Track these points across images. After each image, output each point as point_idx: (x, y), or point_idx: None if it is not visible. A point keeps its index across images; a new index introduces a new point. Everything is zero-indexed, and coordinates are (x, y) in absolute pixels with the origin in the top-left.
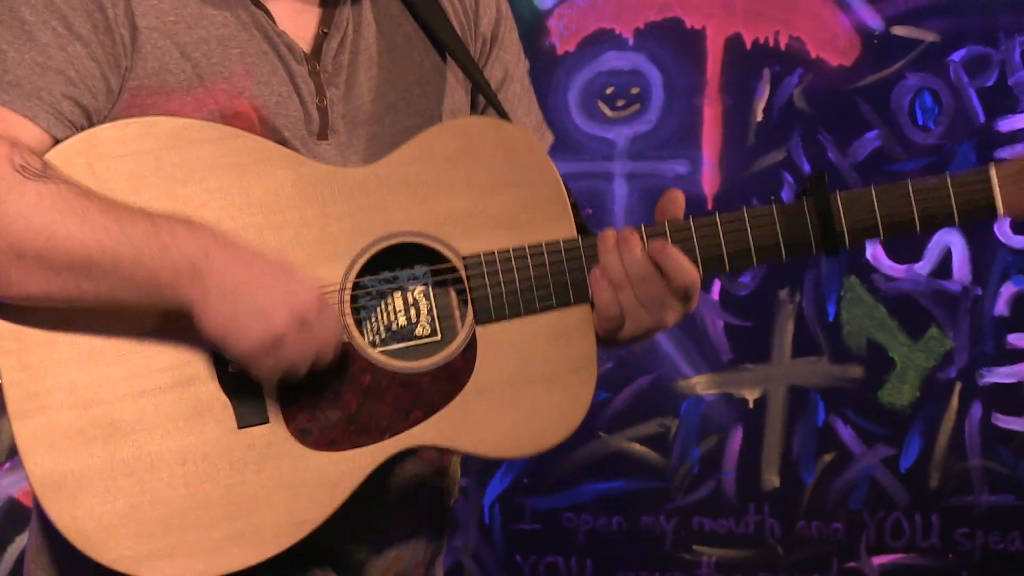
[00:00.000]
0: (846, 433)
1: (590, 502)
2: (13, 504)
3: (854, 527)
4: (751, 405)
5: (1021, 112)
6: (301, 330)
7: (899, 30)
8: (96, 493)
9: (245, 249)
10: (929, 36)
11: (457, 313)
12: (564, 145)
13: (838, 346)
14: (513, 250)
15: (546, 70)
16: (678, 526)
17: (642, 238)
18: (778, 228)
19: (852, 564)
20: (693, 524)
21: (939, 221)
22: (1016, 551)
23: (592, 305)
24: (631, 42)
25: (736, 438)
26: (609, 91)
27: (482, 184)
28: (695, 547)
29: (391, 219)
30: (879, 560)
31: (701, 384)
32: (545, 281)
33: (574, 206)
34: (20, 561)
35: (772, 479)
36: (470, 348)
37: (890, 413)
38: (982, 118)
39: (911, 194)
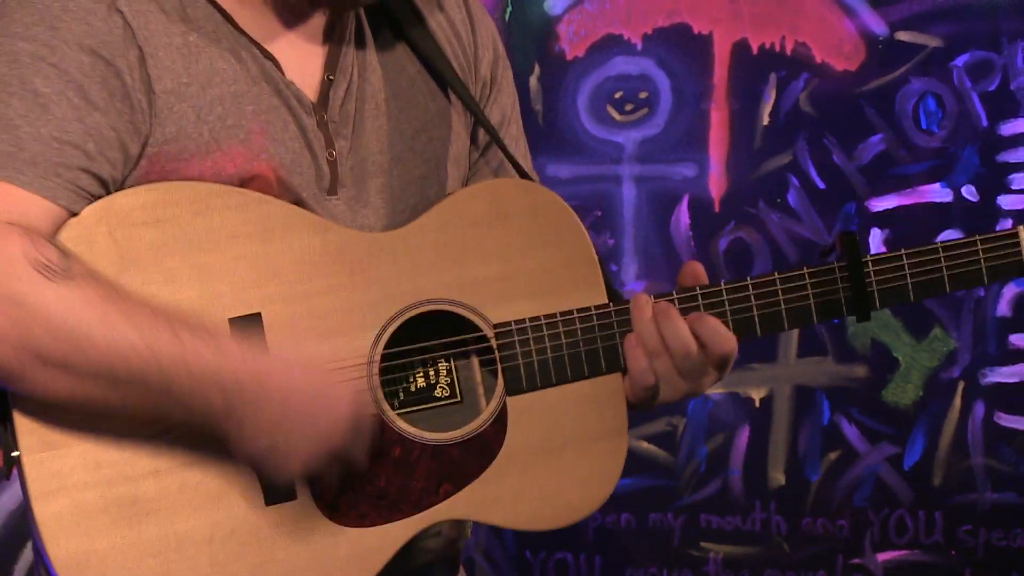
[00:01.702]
0: (851, 432)
1: None
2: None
3: (859, 524)
4: (757, 404)
5: (1023, 116)
6: (337, 460)
7: (903, 35)
8: (121, 574)
9: (276, 376)
10: (933, 41)
11: (480, 377)
12: (573, 149)
13: (843, 346)
14: (544, 318)
15: (556, 75)
16: (686, 523)
17: (675, 303)
18: (809, 292)
19: (857, 561)
20: (700, 521)
21: (968, 281)
22: (1019, 548)
23: (624, 372)
24: (640, 47)
25: (743, 437)
26: (618, 95)
27: (512, 249)
28: (702, 544)
29: (420, 286)
30: (883, 557)
31: None
32: (577, 350)
33: (600, 261)
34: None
35: (778, 477)
36: (500, 419)
37: (894, 412)
38: (985, 122)
39: (941, 257)
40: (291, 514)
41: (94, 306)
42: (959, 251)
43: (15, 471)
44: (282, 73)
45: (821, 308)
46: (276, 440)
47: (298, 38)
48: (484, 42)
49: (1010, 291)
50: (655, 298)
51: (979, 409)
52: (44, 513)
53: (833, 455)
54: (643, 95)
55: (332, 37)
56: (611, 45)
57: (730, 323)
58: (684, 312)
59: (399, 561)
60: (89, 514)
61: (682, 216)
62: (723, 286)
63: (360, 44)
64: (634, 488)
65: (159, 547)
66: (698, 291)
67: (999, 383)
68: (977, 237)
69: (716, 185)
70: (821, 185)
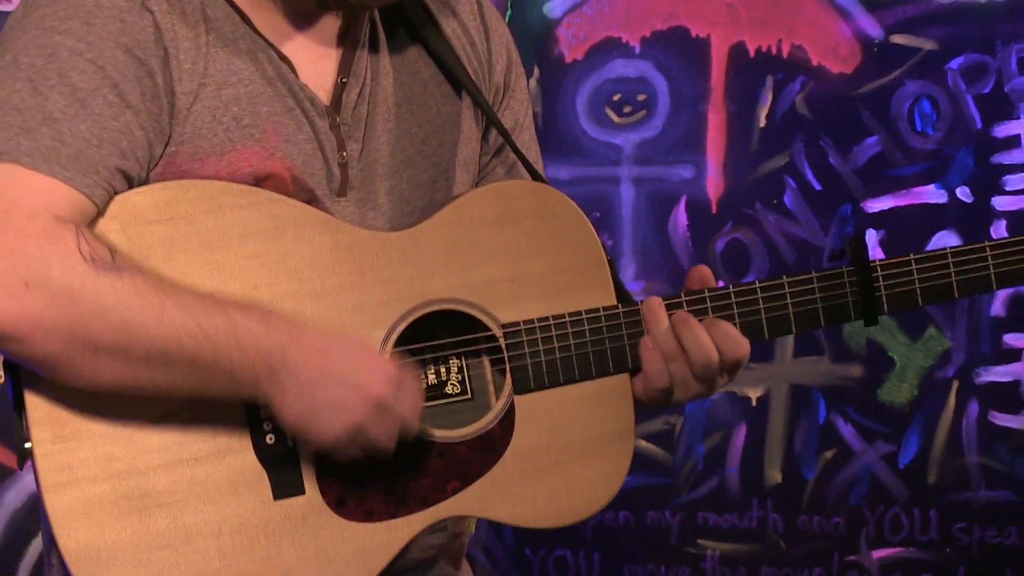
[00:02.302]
0: (847, 430)
1: None
2: (37, 499)
3: (854, 522)
4: (754, 403)
5: (1017, 118)
6: (381, 415)
7: (898, 39)
8: (130, 566)
9: (320, 337)
10: (928, 44)
11: (490, 375)
12: (573, 150)
13: (839, 346)
14: (553, 318)
15: (555, 77)
16: (683, 521)
17: (684, 307)
18: (817, 296)
19: (852, 558)
20: (698, 519)
21: (977, 287)
22: (1012, 545)
23: (632, 373)
24: (638, 50)
25: (740, 435)
26: (616, 98)
27: (521, 250)
28: (700, 541)
29: (429, 286)
30: (879, 554)
31: None
32: (585, 350)
33: (610, 263)
34: (43, 557)
35: (775, 475)
36: (508, 417)
37: (889, 411)
38: (979, 124)
39: (950, 263)
40: (299, 509)
41: (146, 296)
42: (968, 257)
43: (29, 463)
44: (296, 76)
45: (829, 312)
46: (316, 399)
47: (312, 41)
48: (498, 49)
49: (1004, 291)
50: (666, 301)
51: (973, 408)
52: (55, 505)
53: (829, 453)
54: (641, 97)
55: (346, 41)
56: (610, 48)
57: (738, 326)
58: (694, 316)
59: (403, 554)
60: (100, 506)
61: (680, 217)
62: (731, 289)
63: (374, 48)
64: (632, 486)
65: (169, 540)
66: (706, 294)
67: (993, 382)
68: (986, 243)
69: (713, 186)
70: (817, 186)
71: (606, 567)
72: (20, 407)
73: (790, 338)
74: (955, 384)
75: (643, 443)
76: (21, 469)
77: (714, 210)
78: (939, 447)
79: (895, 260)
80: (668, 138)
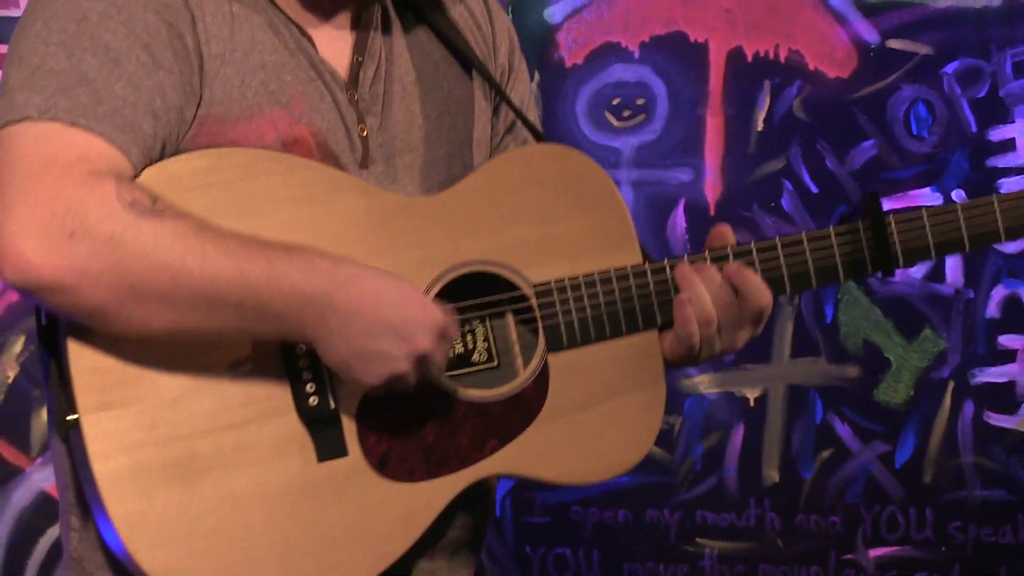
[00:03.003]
0: (843, 430)
1: (597, 496)
2: (45, 497)
3: (851, 521)
4: (752, 403)
5: (1012, 122)
6: (421, 366)
7: (894, 43)
8: (178, 530)
9: (367, 282)
10: (923, 49)
11: (516, 341)
12: None
13: (836, 347)
14: (583, 277)
15: (555, 82)
16: (682, 519)
17: (707, 262)
18: (835, 250)
19: (849, 556)
20: (696, 517)
21: (987, 238)
22: (1007, 544)
23: (661, 329)
24: (637, 55)
25: (738, 435)
26: (616, 102)
27: (548, 212)
28: (698, 540)
29: (461, 248)
30: (875, 552)
31: (704, 383)
32: (614, 308)
33: None
34: (51, 552)
35: (772, 474)
36: (542, 376)
37: (886, 411)
38: (974, 128)
39: (960, 216)
40: (342, 470)
41: (187, 239)
42: (977, 210)
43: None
44: (316, 51)
45: (848, 266)
46: (365, 347)
47: (329, 24)
48: (501, 32)
49: (999, 293)
50: (689, 258)
51: (968, 408)
52: (103, 472)
53: (826, 453)
54: (640, 102)
55: (359, 26)
56: (609, 53)
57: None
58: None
59: (443, 528)
60: (147, 472)
61: (678, 219)
62: (753, 246)
63: (387, 30)
64: (631, 485)
65: (215, 504)
66: (729, 251)
67: (988, 383)
68: (994, 197)
69: (712, 189)
70: (814, 189)
71: (605, 565)
72: (61, 379)
73: (788, 340)
74: (951, 385)
75: None
76: (64, 438)
77: (712, 212)
78: (935, 447)
79: (909, 215)
80: (667, 142)
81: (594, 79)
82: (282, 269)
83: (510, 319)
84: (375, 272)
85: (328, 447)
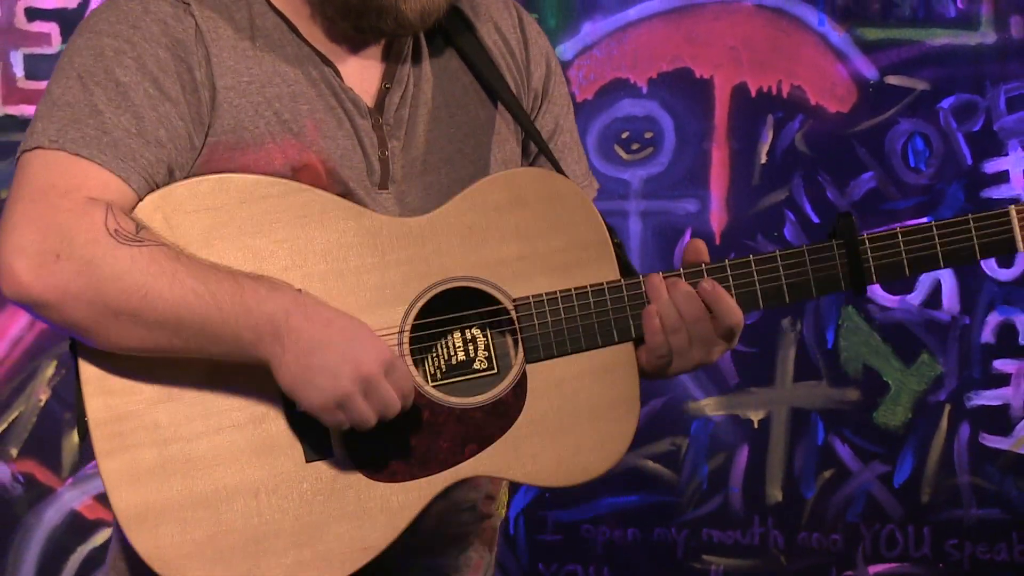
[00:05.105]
0: (844, 451)
1: (607, 515)
2: (75, 516)
3: (851, 538)
4: (756, 425)
5: (1005, 155)
6: (367, 390)
7: (893, 79)
8: (176, 524)
9: (323, 310)
10: (920, 85)
11: (512, 351)
12: None
13: (836, 371)
14: (560, 292)
15: None
16: (688, 537)
17: (682, 278)
18: (808, 267)
19: (850, 573)
20: (702, 535)
21: (962, 258)
22: (1002, 561)
23: (636, 343)
24: (645, 90)
25: (742, 456)
26: (624, 135)
27: (530, 231)
28: (704, 557)
29: (446, 265)
30: (875, 569)
31: (710, 406)
32: (590, 321)
33: (618, 246)
34: (81, 570)
35: (775, 494)
36: (520, 385)
37: (885, 433)
38: (969, 160)
39: (935, 235)
40: (328, 470)
41: (161, 264)
42: (953, 229)
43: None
44: (341, 80)
45: (820, 283)
46: (311, 362)
47: (359, 57)
48: (536, 59)
49: (994, 319)
50: (664, 274)
51: (964, 430)
52: (108, 469)
53: (827, 473)
54: (648, 135)
55: (390, 56)
56: (618, 88)
57: (734, 297)
58: (693, 286)
59: (436, 532)
60: (147, 470)
61: None
62: (727, 262)
63: (417, 57)
64: (640, 504)
65: (210, 500)
66: (703, 267)
67: (983, 406)
68: (970, 216)
69: (717, 220)
70: (816, 219)
71: None
72: (78, 385)
73: (790, 364)
74: (947, 407)
75: (650, 463)
76: (83, 441)
77: (717, 242)
78: (932, 467)
79: (883, 233)
80: (674, 174)
81: (604, 114)
82: (248, 289)
83: (508, 335)
84: (335, 308)
85: (314, 449)
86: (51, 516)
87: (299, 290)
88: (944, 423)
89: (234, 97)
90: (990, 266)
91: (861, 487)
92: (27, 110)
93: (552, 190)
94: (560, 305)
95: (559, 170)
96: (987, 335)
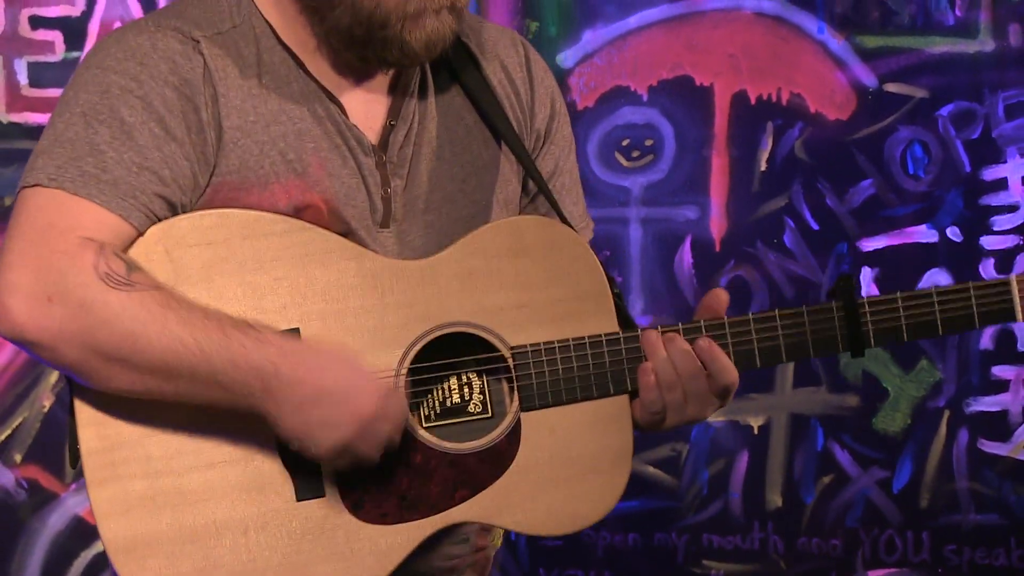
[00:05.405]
0: (843, 457)
1: (608, 520)
2: (79, 521)
3: (851, 543)
4: (756, 431)
5: (1004, 162)
6: (367, 431)
7: (892, 87)
8: (164, 557)
9: (310, 356)
10: (919, 93)
11: (507, 397)
12: (584, 193)
13: (836, 377)
14: (558, 342)
15: None
16: (689, 542)
17: (680, 334)
18: (807, 328)
19: None
20: (703, 540)
21: (961, 325)
22: (1000, 566)
23: (631, 396)
24: (645, 98)
25: (742, 461)
26: (625, 143)
27: (531, 280)
28: (704, 562)
29: (445, 310)
30: (874, 574)
31: None
32: (587, 372)
33: (618, 296)
34: (85, 575)
35: (775, 499)
36: (515, 432)
37: (884, 439)
38: (968, 168)
39: (935, 301)
40: (319, 510)
41: (151, 310)
42: (952, 296)
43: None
44: (346, 116)
45: (818, 344)
46: (309, 416)
47: (364, 90)
48: (541, 99)
49: (992, 326)
50: (662, 329)
51: (963, 436)
52: (98, 499)
53: (827, 479)
54: (648, 143)
55: (396, 89)
56: (619, 96)
57: (732, 354)
58: (690, 343)
59: (426, 562)
60: (138, 502)
61: (685, 255)
62: (726, 320)
63: (423, 93)
64: (640, 509)
65: (199, 535)
66: (702, 324)
67: (982, 412)
68: (970, 284)
69: (717, 226)
70: (815, 226)
71: None
72: (72, 411)
73: (790, 370)
74: (946, 413)
75: (650, 468)
76: (74, 468)
77: (717, 249)
78: (931, 473)
79: (883, 297)
80: (674, 181)
81: (604, 121)
82: (235, 340)
83: (504, 380)
84: (327, 347)
85: (306, 488)
86: (55, 521)
87: (289, 331)
88: (943, 429)
89: (240, 137)
90: (988, 274)
91: (860, 492)
92: (31, 118)
93: (554, 239)
94: (557, 355)
95: (557, 210)
96: (986, 341)
